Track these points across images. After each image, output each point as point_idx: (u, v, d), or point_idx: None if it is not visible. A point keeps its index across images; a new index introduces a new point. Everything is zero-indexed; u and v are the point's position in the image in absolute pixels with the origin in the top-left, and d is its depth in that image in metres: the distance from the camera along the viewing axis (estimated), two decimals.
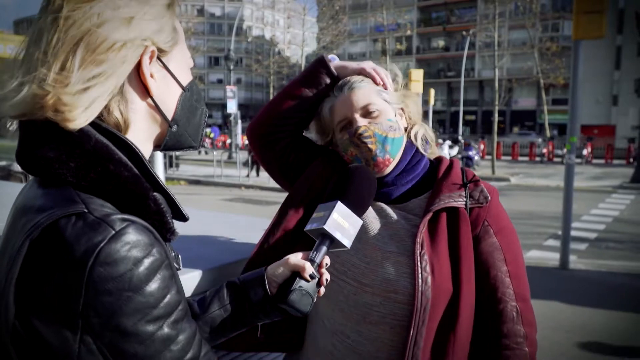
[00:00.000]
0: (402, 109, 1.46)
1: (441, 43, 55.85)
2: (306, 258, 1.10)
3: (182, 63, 0.95)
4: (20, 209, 0.83)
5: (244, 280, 1.13)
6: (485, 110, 48.88)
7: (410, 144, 1.44)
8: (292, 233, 1.40)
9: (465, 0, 52.27)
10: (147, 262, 0.75)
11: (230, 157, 24.32)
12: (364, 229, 1.32)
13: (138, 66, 0.86)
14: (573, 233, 7.67)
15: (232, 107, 23.91)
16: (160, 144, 0.96)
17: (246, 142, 28.32)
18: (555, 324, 5.02)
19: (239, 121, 26.07)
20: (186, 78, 0.96)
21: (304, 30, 31.15)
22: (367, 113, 1.37)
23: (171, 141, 0.96)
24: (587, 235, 9.66)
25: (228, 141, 28.77)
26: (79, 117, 0.79)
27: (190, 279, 1.45)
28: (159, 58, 0.89)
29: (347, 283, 1.33)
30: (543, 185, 17.50)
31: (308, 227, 1.13)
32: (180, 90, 0.94)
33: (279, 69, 39.68)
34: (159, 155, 7.93)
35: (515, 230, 1.41)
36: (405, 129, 1.46)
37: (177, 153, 20.56)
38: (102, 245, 0.72)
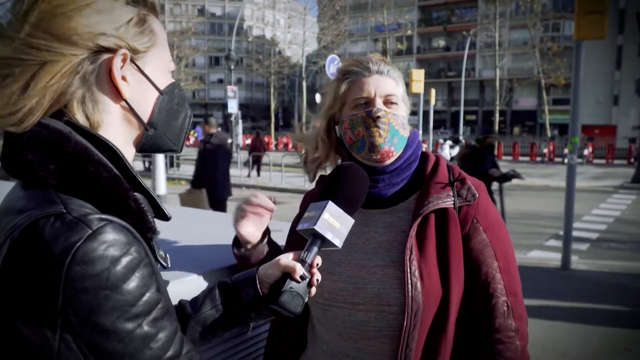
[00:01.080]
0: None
1: (442, 43, 55.84)
2: (297, 258, 1.10)
3: (160, 66, 0.95)
4: (3, 211, 0.84)
5: (236, 280, 1.14)
6: (485, 110, 48.83)
7: (409, 145, 1.42)
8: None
9: (466, 0, 52.26)
10: (124, 260, 0.76)
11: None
12: (345, 249, 1.30)
13: (109, 69, 0.86)
14: (574, 233, 7.65)
15: (232, 106, 23.91)
16: (138, 146, 0.96)
17: (247, 141, 28.29)
18: (558, 325, 5.02)
19: (240, 121, 26.06)
20: (164, 81, 0.95)
21: (305, 30, 31.09)
22: (387, 102, 1.36)
23: (147, 144, 0.96)
24: (589, 236, 9.65)
25: (229, 141, 28.78)
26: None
27: (197, 281, 1.45)
28: (132, 61, 0.89)
29: (340, 307, 1.33)
30: (544, 185, 17.48)
31: (299, 226, 1.13)
32: (156, 94, 0.94)
33: (280, 69, 39.62)
34: (160, 155, 7.92)
35: (503, 224, 1.41)
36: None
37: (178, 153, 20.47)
38: (78, 244, 0.73)
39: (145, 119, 0.93)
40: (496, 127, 22.77)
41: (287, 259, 1.10)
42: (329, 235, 1.09)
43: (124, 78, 0.88)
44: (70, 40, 0.82)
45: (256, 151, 19.46)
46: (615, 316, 5.41)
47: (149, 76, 0.92)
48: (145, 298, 0.79)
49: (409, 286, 1.25)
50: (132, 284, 0.77)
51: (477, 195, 1.35)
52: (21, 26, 0.81)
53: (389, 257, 1.31)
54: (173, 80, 0.98)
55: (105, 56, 0.85)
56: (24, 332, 0.74)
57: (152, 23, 0.93)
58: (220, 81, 70.37)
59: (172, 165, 20.23)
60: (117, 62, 0.86)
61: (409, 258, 1.27)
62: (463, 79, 30.71)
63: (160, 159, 8.03)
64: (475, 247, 1.33)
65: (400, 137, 1.36)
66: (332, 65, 13.49)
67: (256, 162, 19.34)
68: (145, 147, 0.96)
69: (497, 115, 23.03)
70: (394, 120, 1.34)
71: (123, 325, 0.76)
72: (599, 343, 4.77)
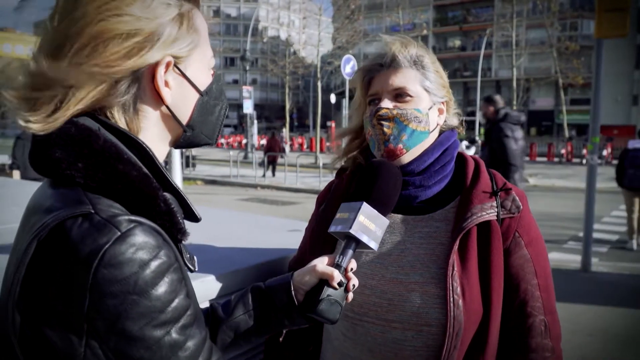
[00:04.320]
0: (445, 104, 1.36)
1: (457, 42, 55.48)
2: (332, 263, 1.06)
3: (202, 66, 0.92)
4: (30, 210, 0.83)
5: (270, 285, 1.10)
6: None
7: (440, 142, 1.34)
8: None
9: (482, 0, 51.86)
10: (153, 265, 0.73)
11: (246, 157, 24.40)
12: (379, 261, 1.25)
13: (152, 75, 0.84)
14: (594, 235, 7.53)
15: (248, 107, 24.01)
16: (173, 145, 0.95)
17: (262, 142, 28.36)
18: (577, 327, 4.93)
19: (255, 121, 26.14)
20: (205, 81, 0.93)
21: (320, 31, 31.02)
22: (397, 96, 1.29)
23: (184, 143, 0.95)
24: (609, 237, 9.50)
25: (244, 141, 28.91)
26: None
27: (213, 281, 1.44)
28: (176, 66, 0.86)
29: (372, 323, 1.26)
30: (562, 187, 17.26)
31: (332, 228, 1.09)
32: (197, 96, 0.91)
33: (295, 70, 39.57)
34: (177, 154, 7.99)
35: (543, 239, 1.34)
36: (447, 128, 1.38)
37: (194, 153, 20.69)
38: (107, 246, 0.71)
39: (185, 121, 0.90)
40: None
41: (322, 264, 1.06)
42: (364, 239, 1.05)
43: (166, 83, 0.85)
44: (109, 69, 0.79)
45: (271, 151, 19.49)
46: (636, 318, 5.30)
47: (191, 79, 0.89)
48: (174, 304, 0.75)
49: (451, 304, 1.17)
50: (161, 289, 0.74)
51: (521, 207, 1.27)
52: (58, 48, 0.79)
53: (428, 272, 1.22)
54: (211, 79, 0.95)
55: (149, 66, 0.83)
56: (50, 336, 0.72)
57: (196, 20, 0.89)
58: (236, 82, 70.73)
59: (187, 165, 20.34)
60: (160, 70, 0.83)
61: (451, 274, 1.19)
62: (479, 78, 30.53)
63: (176, 159, 8.08)
64: (515, 263, 1.25)
65: (412, 132, 1.28)
66: (348, 66, 13.47)
67: (271, 163, 19.38)
68: (181, 145, 0.94)
69: None
70: (400, 115, 1.27)
71: (151, 333, 0.73)
72: (619, 346, 4.68)
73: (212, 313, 1.09)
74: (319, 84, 28.50)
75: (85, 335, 0.71)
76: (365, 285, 1.25)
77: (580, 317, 5.25)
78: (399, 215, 1.30)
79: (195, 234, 2.04)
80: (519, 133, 6.15)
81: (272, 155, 19.38)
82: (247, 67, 26.75)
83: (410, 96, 1.29)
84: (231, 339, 1.07)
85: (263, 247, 1.81)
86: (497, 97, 6.34)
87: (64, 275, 0.71)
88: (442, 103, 1.35)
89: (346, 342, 1.31)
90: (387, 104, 1.28)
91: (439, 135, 1.37)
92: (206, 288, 1.39)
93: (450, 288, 1.18)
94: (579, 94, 42.34)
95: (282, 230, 2.20)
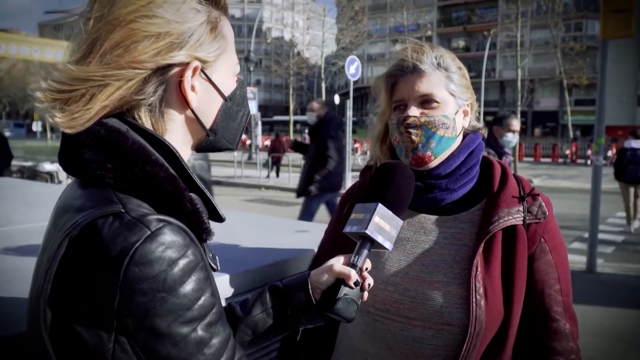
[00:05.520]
0: (469, 106, 1.35)
1: (461, 43, 55.39)
2: (348, 262, 1.07)
3: (227, 70, 0.95)
4: (60, 209, 0.85)
5: (287, 284, 1.11)
6: (506, 111, 48.31)
7: (466, 145, 1.34)
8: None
9: (486, 0, 51.76)
10: (181, 263, 0.75)
11: (250, 158, 24.45)
12: (402, 258, 1.27)
13: (179, 79, 0.86)
14: (599, 236, 7.51)
15: (252, 108, 24.05)
16: (195, 148, 0.97)
17: (266, 143, 28.42)
18: (583, 328, 4.88)
19: (259, 122, 26.19)
20: (230, 87, 0.95)
21: (324, 32, 31.12)
22: (424, 102, 1.28)
23: (206, 147, 0.97)
24: (614, 238, 9.47)
25: (248, 142, 29.01)
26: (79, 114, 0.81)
27: (223, 282, 1.45)
28: (203, 70, 0.89)
29: (393, 320, 1.26)
30: (566, 187, 17.21)
31: (347, 229, 1.11)
32: (221, 101, 0.94)
33: (299, 70, 39.62)
34: None
35: (565, 244, 1.35)
36: (472, 131, 1.37)
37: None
38: (137, 245, 0.73)
39: (208, 125, 0.93)
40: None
41: (339, 264, 1.07)
42: (379, 239, 1.07)
43: (192, 88, 0.87)
44: (137, 65, 0.82)
45: (275, 152, 19.50)
46: None
47: (216, 85, 0.91)
48: (200, 302, 0.78)
49: (474, 305, 1.19)
50: (188, 287, 0.76)
51: (547, 213, 1.28)
52: (90, 49, 0.82)
53: (451, 272, 1.24)
54: (236, 84, 0.97)
55: (176, 69, 0.85)
56: (80, 332, 0.74)
57: (224, 26, 0.92)
58: None
59: None
60: (187, 74, 0.86)
61: (475, 275, 1.20)
62: (483, 79, 30.44)
63: None
64: (540, 268, 1.27)
65: (440, 139, 1.27)
66: (352, 67, 13.47)
67: (275, 164, 19.38)
68: (203, 149, 0.96)
69: (519, 116, 22.74)
70: (428, 122, 1.26)
71: (178, 329, 0.75)
72: (625, 347, 4.67)
73: (230, 312, 1.11)
74: (323, 85, 28.54)
75: (114, 332, 0.73)
76: (388, 281, 1.27)
77: (585, 318, 5.24)
78: (425, 215, 1.32)
79: None
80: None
81: (276, 156, 19.39)
82: (251, 68, 26.83)
83: (437, 102, 1.28)
84: (250, 337, 1.09)
85: (270, 248, 1.82)
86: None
87: (95, 273, 0.73)
88: (467, 105, 1.35)
89: (365, 339, 1.32)
90: (414, 111, 1.28)
91: (463, 137, 1.37)
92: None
93: (473, 288, 1.19)
94: (584, 94, 42.23)
95: (289, 231, 2.21)
